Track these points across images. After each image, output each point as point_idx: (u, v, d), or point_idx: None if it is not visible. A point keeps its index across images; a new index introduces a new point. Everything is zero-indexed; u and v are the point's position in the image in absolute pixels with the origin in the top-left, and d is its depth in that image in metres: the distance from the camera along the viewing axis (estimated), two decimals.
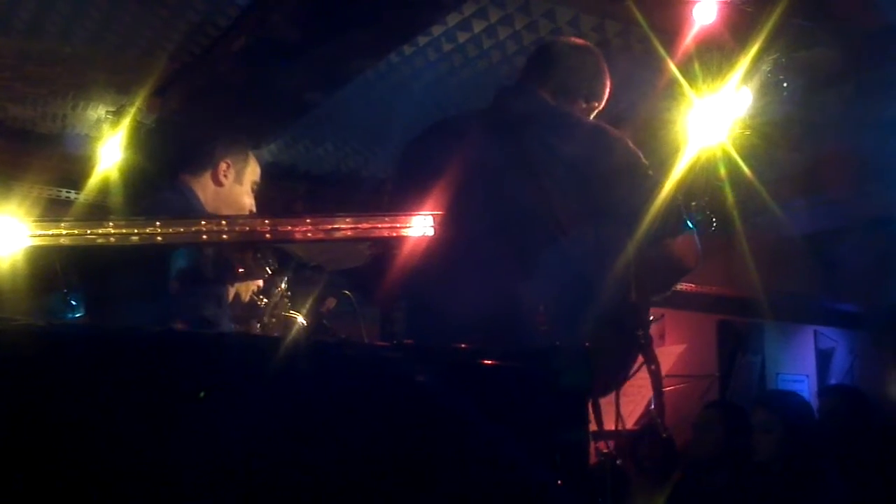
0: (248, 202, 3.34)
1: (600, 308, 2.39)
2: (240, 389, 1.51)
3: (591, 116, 2.82)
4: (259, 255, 2.97)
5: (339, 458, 1.53)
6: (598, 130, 2.64)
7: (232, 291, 3.20)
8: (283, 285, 3.21)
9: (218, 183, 3.26)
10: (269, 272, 3.04)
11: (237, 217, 3.01)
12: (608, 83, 2.87)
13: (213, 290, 3.00)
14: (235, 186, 3.29)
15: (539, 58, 2.88)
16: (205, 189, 3.25)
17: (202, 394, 1.48)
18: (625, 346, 2.52)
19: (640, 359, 2.53)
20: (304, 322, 3.11)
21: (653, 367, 2.51)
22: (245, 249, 2.91)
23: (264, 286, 3.23)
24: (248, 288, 3.27)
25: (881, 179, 5.75)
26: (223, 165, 3.26)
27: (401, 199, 2.65)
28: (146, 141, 5.37)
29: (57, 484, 1.41)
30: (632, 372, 2.58)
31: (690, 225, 2.57)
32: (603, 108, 2.87)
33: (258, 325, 3.17)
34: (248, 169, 3.32)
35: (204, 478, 1.47)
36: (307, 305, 3.14)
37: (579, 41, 3.01)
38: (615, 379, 2.55)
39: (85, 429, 1.43)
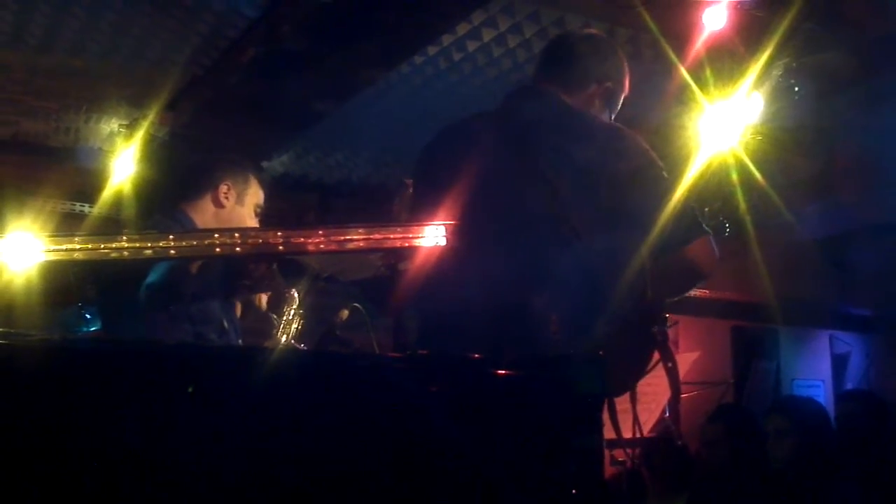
0: (252, 225, 3.27)
1: (614, 313, 2.36)
2: (255, 403, 1.50)
3: (607, 98, 2.74)
4: (271, 267, 2.93)
5: (354, 471, 1.53)
6: (612, 132, 2.58)
7: (238, 305, 3.18)
8: (296, 300, 3.20)
9: (219, 205, 3.21)
10: (281, 282, 3.01)
11: (249, 230, 2.98)
12: (624, 64, 2.79)
13: (188, 308, 2.94)
14: (237, 208, 3.24)
15: (551, 53, 2.82)
16: (204, 213, 3.20)
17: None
18: (640, 343, 2.48)
19: (656, 356, 2.49)
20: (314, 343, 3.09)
21: (669, 364, 2.46)
22: (258, 262, 2.88)
23: (276, 301, 3.21)
24: (262, 299, 3.25)
25: (893, 183, 5.73)
26: (223, 187, 3.21)
27: (418, 206, 2.63)
28: (149, 170, 5.38)
29: (71, 497, 1.41)
30: (647, 369, 2.52)
31: (706, 228, 2.52)
32: (619, 90, 2.78)
33: (271, 339, 3.16)
34: (249, 191, 3.27)
35: (216, 491, 1.47)
36: (321, 317, 3.13)
37: (590, 30, 2.92)
38: (630, 377, 2.50)
39: (100, 443, 1.43)
